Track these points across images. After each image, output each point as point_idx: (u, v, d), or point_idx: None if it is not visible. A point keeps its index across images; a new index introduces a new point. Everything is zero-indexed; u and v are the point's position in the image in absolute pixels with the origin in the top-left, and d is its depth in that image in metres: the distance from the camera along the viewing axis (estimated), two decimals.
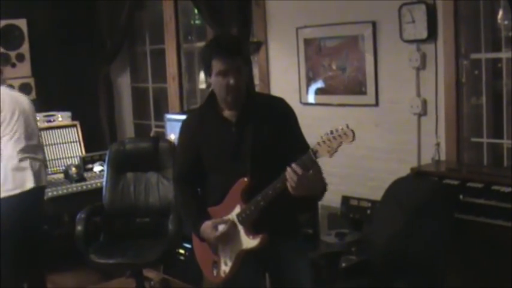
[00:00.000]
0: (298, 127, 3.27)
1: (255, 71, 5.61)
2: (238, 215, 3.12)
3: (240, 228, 3.11)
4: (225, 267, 3.18)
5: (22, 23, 6.78)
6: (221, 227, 3.13)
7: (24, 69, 6.75)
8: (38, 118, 5.36)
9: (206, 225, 3.18)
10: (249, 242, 3.09)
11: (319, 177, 3.00)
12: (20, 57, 6.71)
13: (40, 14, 6.90)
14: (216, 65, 3.07)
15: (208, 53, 3.13)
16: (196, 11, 6.30)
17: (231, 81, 3.06)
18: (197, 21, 6.60)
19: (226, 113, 3.21)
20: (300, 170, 2.86)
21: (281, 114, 3.21)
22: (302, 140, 3.21)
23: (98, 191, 5.45)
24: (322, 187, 3.06)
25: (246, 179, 3.08)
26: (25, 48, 6.79)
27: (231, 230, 3.11)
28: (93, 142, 6.66)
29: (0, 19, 6.60)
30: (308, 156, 2.88)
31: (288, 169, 2.89)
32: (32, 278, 5.04)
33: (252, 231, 3.09)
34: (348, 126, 2.82)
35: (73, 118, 6.63)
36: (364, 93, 4.77)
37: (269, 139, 3.12)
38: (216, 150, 3.22)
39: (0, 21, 6.58)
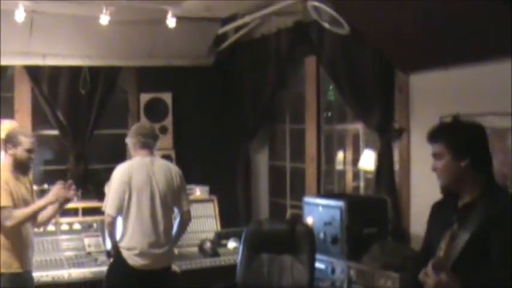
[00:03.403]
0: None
1: (396, 158, 5.53)
2: None
3: None
4: None
5: (167, 97, 7.06)
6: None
7: (166, 141, 6.98)
8: None
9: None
10: None
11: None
12: (164, 130, 6.96)
13: (185, 88, 7.18)
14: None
15: None
16: (336, 92, 6.35)
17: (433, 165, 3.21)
18: (331, 98, 6.64)
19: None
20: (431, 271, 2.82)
21: (488, 216, 2.98)
22: (501, 255, 2.91)
23: (231, 267, 5.48)
24: None
25: None
26: (169, 121, 7.05)
27: None
28: (228, 217, 6.75)
29: (147, 93, 6.94)
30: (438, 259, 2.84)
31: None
32: None
33: None
34: None
35: (210, 192, 6.76)
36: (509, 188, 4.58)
37: (467, 244, 2.95)
38: (436, 238, 3.13)
39: (146, 95, 6.92)
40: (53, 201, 4.81)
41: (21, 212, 4.68)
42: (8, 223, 4.62)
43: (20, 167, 4.81)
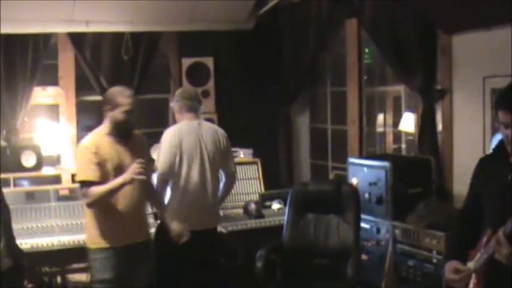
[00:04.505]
0: None
1: (438, 119, 5.57)
2: (475, 264, 3.01)
3: (473, 277, 3.00)
4: None
5: (209, 61, 7.13)
6: (455, 275, 3.08)
7: (208, 105, 7.07)
8: None
9: (449, 264, 3.14)
10: None
11: None
12: (206, 94, 7.05)
13: (226, 52, 7.25)
14: (501, 116, 2.96)
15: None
16: (378, 54, 6.36)
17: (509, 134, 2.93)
18: (367, 61, 6.67)
19: None
20: (504, 240, 2.72)
21: None
22: None
23: (275, 228, 5.59)
24: None
25: (489, 230, 2.93)
26: (210, 85, 7.13)
27: (465, 278, 3.03)
28: (271, 179, 6.83)
29: (189, 57, 7.02)
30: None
31: (494, 238, 2.78)
32: None
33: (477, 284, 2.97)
34: None
35: (253, 155, 6.85)
36: None
37: None
38: (489, 194, 3.10)
39: (188, 59, 7.01)
40: (129, 180, 4.31)
41: (97, 190, 4.29)
42: (85, 200, 4.36)
43: (120, 130, 4.43)
